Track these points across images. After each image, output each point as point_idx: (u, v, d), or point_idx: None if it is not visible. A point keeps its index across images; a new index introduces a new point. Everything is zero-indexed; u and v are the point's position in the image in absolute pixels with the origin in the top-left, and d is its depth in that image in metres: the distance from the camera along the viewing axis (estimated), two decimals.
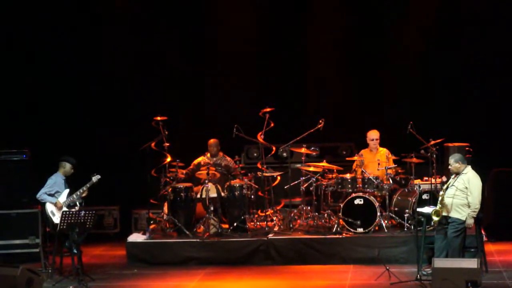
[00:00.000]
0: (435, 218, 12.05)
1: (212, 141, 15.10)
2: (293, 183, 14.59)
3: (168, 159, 14.50)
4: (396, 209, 14.14)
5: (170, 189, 14.33)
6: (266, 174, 14.72)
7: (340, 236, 13.73)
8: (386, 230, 13.86)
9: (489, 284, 11.99)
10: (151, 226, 14.54)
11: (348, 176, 14.25)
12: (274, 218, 14.71)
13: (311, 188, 14.39)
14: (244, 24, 16.70)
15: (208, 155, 15.09)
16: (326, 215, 14.27)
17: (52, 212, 13.12)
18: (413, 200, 13.79)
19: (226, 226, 14.38)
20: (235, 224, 14.22)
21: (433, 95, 16.44)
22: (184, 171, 14.77)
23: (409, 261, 13.15)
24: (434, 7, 16.48)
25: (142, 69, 16.72)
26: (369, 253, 13.42)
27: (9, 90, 16.30)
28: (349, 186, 14.17)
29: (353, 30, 16.64)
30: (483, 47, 16.15)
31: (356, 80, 16.69)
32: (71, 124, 16.52)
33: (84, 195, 13.22)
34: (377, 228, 13.89)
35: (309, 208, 14.55)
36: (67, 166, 13.38)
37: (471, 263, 11.54)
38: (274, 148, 15.01)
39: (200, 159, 15.10)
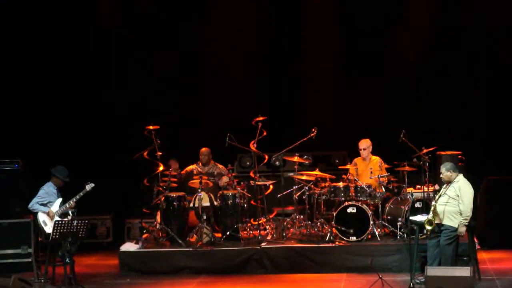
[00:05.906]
0: (428, 228, 12.05)
1: (203, 150, 15.11)
2: (286, 192, 14.59)
3: (161, 168, 14.50)
4: (389, 217, 14.13)
5: (163, 198, 14.32)
6: (259, 183, 14.72)
7: (333, 245, 13.72)
8: (379, 239, 13.85)
9: None
10: (144, 235, 14.53)
11: (341, 184, 14.25)
12: (267, 227, 14.69)
13: (303, 197, 14.40)
14: (237, 33, 16.73)
15: (200, 164, 15.10)
16: (319, 223, 14.26)
17: (44, 222, 13.10)
18: (406, 209, 13.80)
19: (219, 235, 14.35)
20: (228, 233, 14.20)
21: (426, 103, 16.45)
22: (176, 180, 14.76)
23: (402, 269, 13.15)
24: (428, 13, 16.55)
25: (135, 78, 16.72)
26: (362, 261, 13.41)
27: (0, 100, 16.28)
28: (342, 194, 14.17)
29: (347, 40, 16.67)
30: (476, 56, 16.18)
31: (349, 88, 16.70)
32: (63, 133, 16.51)
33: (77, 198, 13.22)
34: (370, 236, 13.88)
35: (302, 216, 14.55)
36: (57, 180, 13.37)
37: (464, 271, 11.57)
38: (266, 157, 15.01)
39: (193, 167, 15.10)
